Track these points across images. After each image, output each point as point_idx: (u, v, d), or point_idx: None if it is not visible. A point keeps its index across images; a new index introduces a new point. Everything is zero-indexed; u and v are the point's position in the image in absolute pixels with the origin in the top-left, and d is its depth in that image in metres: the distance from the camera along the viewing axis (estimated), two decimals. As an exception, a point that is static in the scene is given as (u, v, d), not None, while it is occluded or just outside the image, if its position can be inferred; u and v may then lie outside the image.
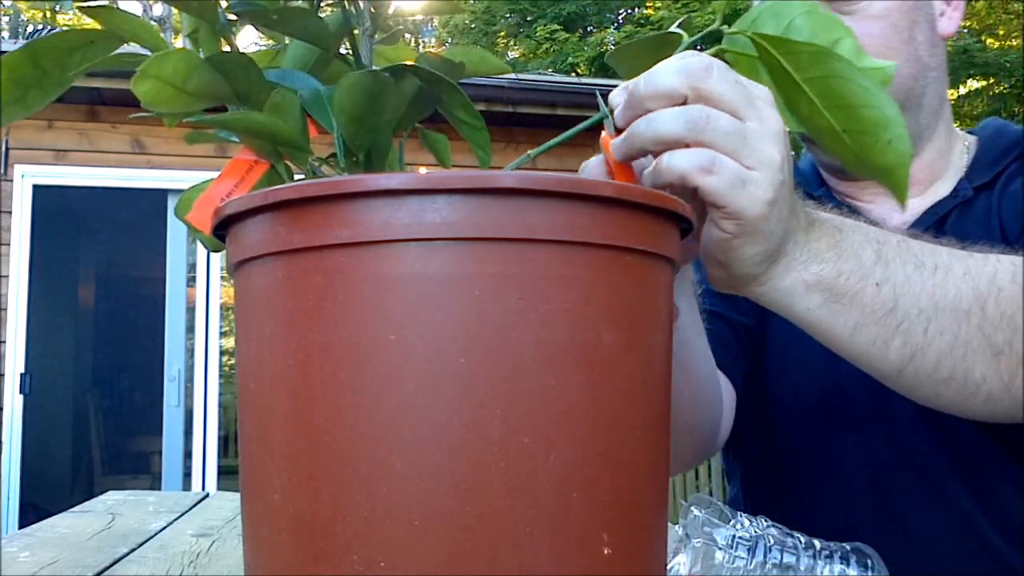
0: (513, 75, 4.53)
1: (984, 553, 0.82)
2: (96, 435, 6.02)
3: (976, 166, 0.92)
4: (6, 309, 4.28)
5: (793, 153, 0.54)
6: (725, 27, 0.53)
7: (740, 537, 0.64)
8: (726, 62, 0.50)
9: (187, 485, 4.48)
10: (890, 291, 0.57)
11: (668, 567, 0.63)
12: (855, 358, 0.60)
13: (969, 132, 0.98)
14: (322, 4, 0.52)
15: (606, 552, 0.37)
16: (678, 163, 0.48)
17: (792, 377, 0.93)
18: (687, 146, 0.48)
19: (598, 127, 0.54)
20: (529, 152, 0.54)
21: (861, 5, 0.85)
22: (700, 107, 0.47)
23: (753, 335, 0.94)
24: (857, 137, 0.50)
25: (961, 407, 0.62)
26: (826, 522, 0.84)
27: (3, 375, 4.27)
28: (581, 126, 0.54)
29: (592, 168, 0.54)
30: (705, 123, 0.47)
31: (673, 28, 0.54)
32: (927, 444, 0.85)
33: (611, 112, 0.52)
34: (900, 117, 0.49)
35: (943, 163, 0.93)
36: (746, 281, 0.55)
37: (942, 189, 0.92)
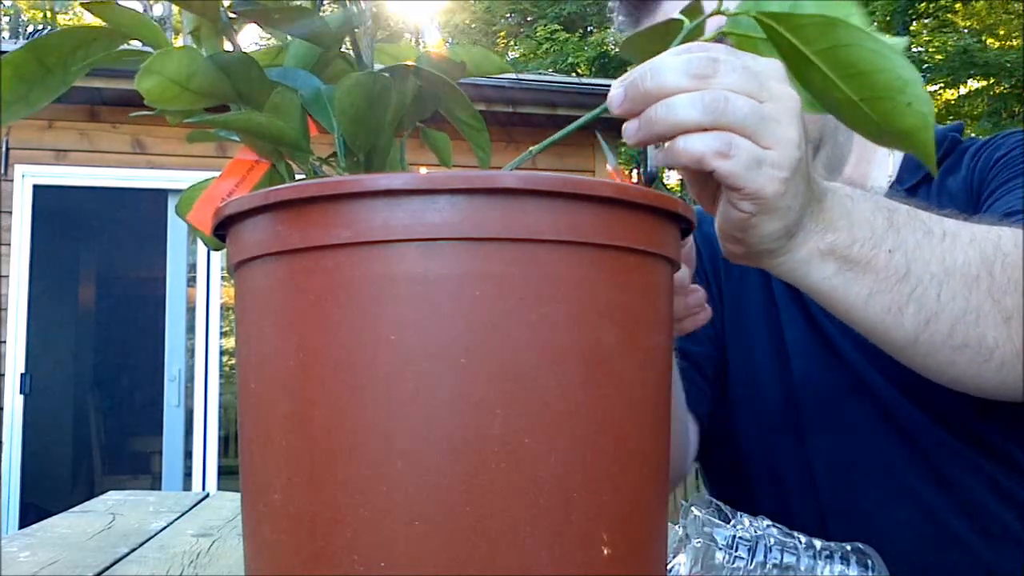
0: (513, 75, 4.53)
1: (955, 547, 0.83)
2: (96, 435, 6.02)
3: (906, 167, 0.93)
4: (6, 309, 4.28)
5: None
6: (728, 8, 0.52)
7: (740, 537, 0.64)
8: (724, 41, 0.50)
9: (187, 485, 4.48)
10: (902, 257, 0.57)
11: (668, 567, 0.63)
12: (871, 328, 0.60)
13: None
14: (324, 3, 0.52)
15: (606, 552, 0.37)
16: (694, 147, 0.48)
17: (748, 394, 0.94)
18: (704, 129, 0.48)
19: (597, 124, 0.54)
20: (531, 149, 0.54)
21: None
22: (718, 91, 0.47)
23: (714, 361, 0.95)
24: (875, 104, 0.48)
25: (975, 376, 0.62)
26: (796, 528, 0.84)
27: (3, 375, 4.26)
28: (582, 120, 0.53)
29: None
30: (724, 106, 0.47)
31: (676, 15, 0.53)
32: (888, 445, 0.86)
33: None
34: (918, 77, 0.47)
35: (864, 167, 0.94)
36: (763, 255, 0.55)
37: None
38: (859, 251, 0.56)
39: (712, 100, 0.47)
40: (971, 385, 0.63)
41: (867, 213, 0.58)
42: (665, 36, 0.52)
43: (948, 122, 0.99)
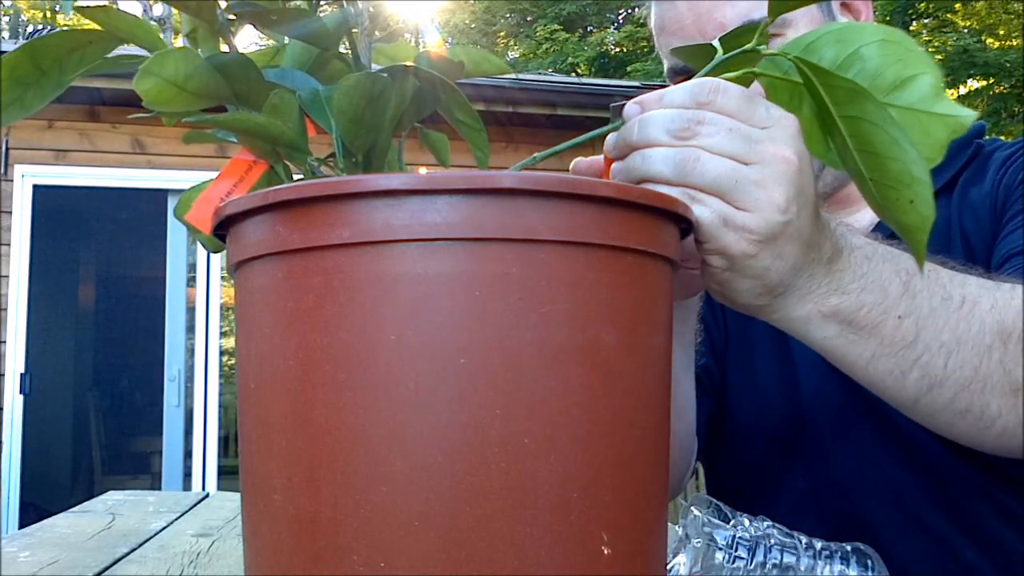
0: (513, 75, 4.53)
1: (962, 574, 0.81)
2: (96, 435, 6.01)
3: None
4: (6, 309, 4.28)
5: None
6: (763, 48, 0.51)
7: (740, 537, 0.64)
8: (737, 80, 0.49)
9: (187, 485, 4.47)
10: (912, 324, 0.56)
11: (668, 567, 0.63)
12: (871, 385, 0.59)
13: None
14: (321, 4, 0.52)
15: (606, 552, 0.37)
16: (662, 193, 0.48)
17: (753, 407, 0.92)
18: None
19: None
20: (535, 155, 0.54)
21: (788, 32, 0.81)
22: (691, 150, 0.47)
23: (713, 374, 0.94)
24: (881, 188, 0.47)
25: (975, 439, 0.62)
26: None
27: (3, 375, 4.26)
28: (588, 135, 0.54)
29: (581, 165, 0.55)
30: (692, 168, 0.47)
31: (715, 42, 0.53)
32: (897, 467, 0.84)
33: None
34: (927, 176, 0.45)
35: None
36: (751, 310, 0.54)
37: None
38: (866, 316, 0.55)
39: (683, 159, 0.47)
40: (972, 444, 0.63)
41: (883, 277, 0.56)
42: (710, 55, 0.52)
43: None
